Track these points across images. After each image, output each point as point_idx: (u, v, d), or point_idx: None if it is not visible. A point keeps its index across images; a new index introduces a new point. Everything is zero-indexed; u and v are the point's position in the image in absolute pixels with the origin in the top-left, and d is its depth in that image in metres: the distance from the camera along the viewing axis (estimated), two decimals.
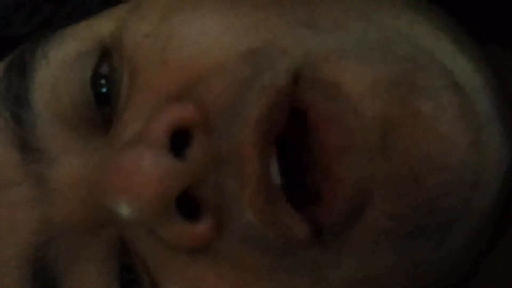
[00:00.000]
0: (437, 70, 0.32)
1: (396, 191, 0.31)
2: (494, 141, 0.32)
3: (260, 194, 0.30)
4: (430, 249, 0.32)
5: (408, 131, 0.31)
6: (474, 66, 0.34)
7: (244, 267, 0.32)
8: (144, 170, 0.31)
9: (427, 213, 0.31)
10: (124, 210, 0.31)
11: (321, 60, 0.32)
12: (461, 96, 0.32)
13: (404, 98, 0.31)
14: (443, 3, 0.37)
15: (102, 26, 0.37)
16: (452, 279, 0.35)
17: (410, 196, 0.31)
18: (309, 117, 0.31)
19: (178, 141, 0.32)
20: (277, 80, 0.31)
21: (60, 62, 0.36)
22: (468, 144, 0.31)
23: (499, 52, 0.39)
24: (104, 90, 0.36)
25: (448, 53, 0.34)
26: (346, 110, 0.31)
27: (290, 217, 0.31)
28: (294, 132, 0.32)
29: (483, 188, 0.32)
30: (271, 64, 0.32)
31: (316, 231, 0.31)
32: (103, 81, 0.36)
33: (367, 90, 0.31)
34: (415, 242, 0.32)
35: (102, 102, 0.36)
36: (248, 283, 0.32)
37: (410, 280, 0.33)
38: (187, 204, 0.32)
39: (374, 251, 0.32)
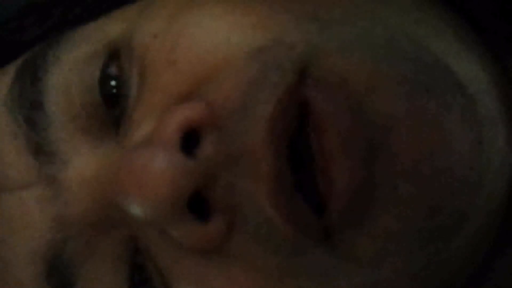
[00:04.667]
0: (441, 70, 0.32)
1: (400, 192, 0.31)
2: (497, 142, 0.32)
3: (279, 191, 0.31)
4: (438, 250, 0.32)
5: (411, 129, 0.30)
6: (480, 66, 0.34)
7: (254, 268, 0.32)
8: (156, 171, 0.31)
9: (433, 214, 0.31)
10: (137, 210, 0.31)
11: (326, 55, 0.32)
12: (464, 97, 0.32)
13: (408, 96, 0.31)
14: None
15: (111, 27, 0.37)
16: (460, 279, 0.35)
17: (415, 198, 0.31)
18: (310, 116, 0.31)
19: (189, 141, 0.32)
20: (285, 78, 0.31)
21: (71, 64, 0.37)
22: (471, 144, 0.31)
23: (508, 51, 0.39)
24: (113, 91, 0.36)
25: (453, 53, 0.33)
26: (346, 108, 0.31)
27: (307, 214, 0.31)
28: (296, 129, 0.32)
29: (488, 188, 0.32)
30: (278, 62, 0.32)
31: (326, 232, 0.31)
32: (112, 83, 0.36)
33: (372, 86, 0.31)
34: (423, 245, 0.32)
35: (112, 103, 0.36)
36: (258, 284, 0.32)
37: (418, 282, 0.33)
38: (199, 205, 0.32)
39: (382, 255, 0.32)
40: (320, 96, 0.31)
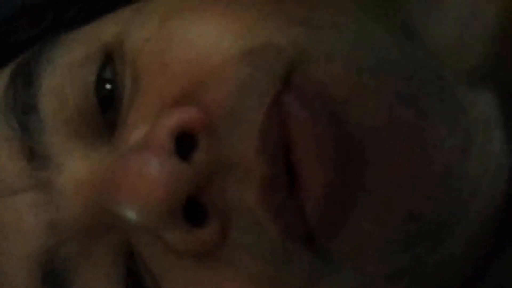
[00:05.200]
0: (427, 75, 0.32)
1: (380, 198, 0.31)
2: (492, 146, 0.32)
3: (271, 197, 0.31)
4: (422, 255, 0.32)
5: (389, 139, 0.30)
6: None
7: (244, 274, 0.32)
8: (151, 175, 0.31)
9: (412, 220, 0.31)
10: (131, 215, 0.31)
11: (312, 60, 0.32)
12: (450, 103, 0.32)
13: (387, 106, 0.31)
14: None
15: (105, 30, 0.37)
16: (454, 282, 0.35)
17: (395, 204, 0.31)
18: (288, 123, 0.31)
19: (183, 145, 0.32)
20: (273, 85, 0.31)
21: (66, 67, 0.36)
22: (454, 152, 0.31)
23: None
24: (108, 94, 0.36)
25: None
26: (322, 116, 0.30)
27: (294, 217, 0.31)
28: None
29: (483, 194, 0.32)
30: (268, 66, 0.32)
31: (308, 236, 0.31)
32: (107, 86, 0.36)
33: (351, 95, 0.31)
34: (405, 249, 0.32)
35: (106, 107, 0.36)
36: None
37: (405, 284, 0.33)
38: (193, 209, 0.32)
39: (366, 259, 0.32)
40: (296, 103, 0.31)
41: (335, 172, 0.30)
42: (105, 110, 0.36)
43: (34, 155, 0.35)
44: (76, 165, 0.35)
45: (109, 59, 0.36)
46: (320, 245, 0.31)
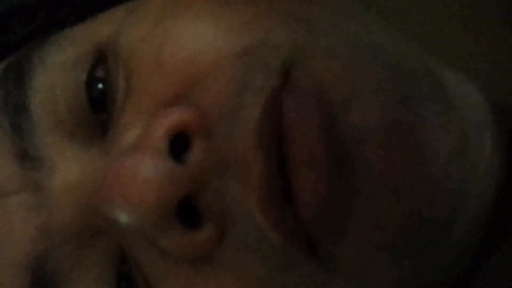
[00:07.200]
0: (422, 77, 0.32)
1: (378, 202, 0.30)
2: (484, 149, 0.32)
3: (268, 198, 0.30)
4: (425, 258, 0.32)
5: (384, 142, 0.30)
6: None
7: (244, 278, 0.32)
8: (144, 177, 0.30)
9: (413, 223, 0.31)
10: (124, 218, 0.31)
11: (310, 57, 0.31)
12: (445, 104, 0.32)
13: (382, 108, 0.30)
14: None
15: (98, 29, 0.37)
16: (448, 281, 0.35)
17: (393, 208, 0.30)
18: (283, 123, 0.31)
19: (177, 146, 0.31)
20: (270, 80, 0.31)
21: (57, 67, 0.36)
22: (450, 153, 0.31)
23: None
24: (100, 94, 0.35)
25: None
26: (316, 119, 0.30)
27: (291, 221, 0.30)
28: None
29: (475, 195, 0.32)
30: (264, 63, 0.31)
31: (310, 245, 0.31)
32: (99, 86, 0.35)
33: (349, 96, 0.30)
34: (408, 254, 0.31)
35: (98, 107, 0.35)
36: None
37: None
38: (188, 212, 0.31)
39: (367, 266, 0.31)
40: (291, 104, 0.31)
41: (328, 178, 0.30)
42: (97, 110, 0.35)
43: (26, 156, 0.35)
44: (68, 167, 0.34)
45: (102, 58, 0.35)
46: (323, 252, 0.31)
